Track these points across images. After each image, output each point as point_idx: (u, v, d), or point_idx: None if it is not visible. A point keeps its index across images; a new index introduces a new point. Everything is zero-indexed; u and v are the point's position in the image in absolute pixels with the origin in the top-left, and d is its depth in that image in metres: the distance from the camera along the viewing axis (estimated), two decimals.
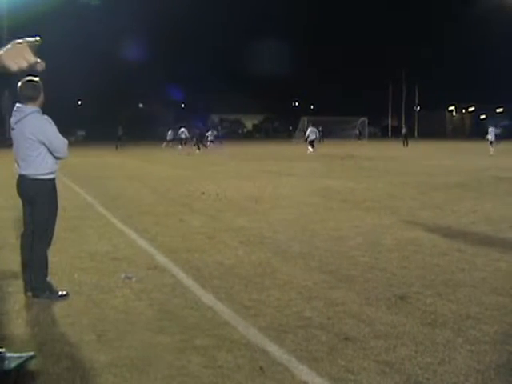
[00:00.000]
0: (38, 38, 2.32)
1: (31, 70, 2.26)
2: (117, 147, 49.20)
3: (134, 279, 7.05)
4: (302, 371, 4.40)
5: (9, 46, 2.24)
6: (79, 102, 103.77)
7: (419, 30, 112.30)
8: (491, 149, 37.79)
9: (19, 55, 2.20)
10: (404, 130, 57.66)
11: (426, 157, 36.26)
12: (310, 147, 40.88)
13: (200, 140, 47.09)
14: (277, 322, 5.46)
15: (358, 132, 73.21)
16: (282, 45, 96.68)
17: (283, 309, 5.87)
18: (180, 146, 45.37)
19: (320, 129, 62.03)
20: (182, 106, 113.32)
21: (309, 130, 43.11)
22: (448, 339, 4.99)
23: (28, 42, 2.28)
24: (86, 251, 8.67)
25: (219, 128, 65.78)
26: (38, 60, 2.30)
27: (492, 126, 40.93)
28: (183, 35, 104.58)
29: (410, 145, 53.96)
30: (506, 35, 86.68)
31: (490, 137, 39.09)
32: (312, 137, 41.99)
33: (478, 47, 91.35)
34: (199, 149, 44.73)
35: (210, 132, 54.19)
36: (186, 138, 48.16)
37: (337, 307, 5.90)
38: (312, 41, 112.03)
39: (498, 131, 59.36)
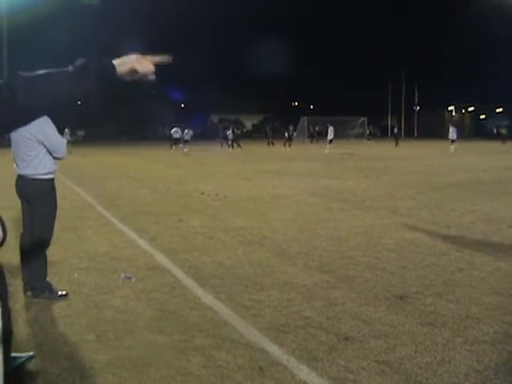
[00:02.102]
0: (170, 58, 2.41)
1: (145, 77, 2.38)
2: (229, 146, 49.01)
3: (133, 279, 7.05)
4: (302, 371, 4.41)
5: (136, 55, 2.37)
6: (79, 102, 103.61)
7: (419, 29, 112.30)
8: (452, 147, 40.96)
9: (145, 62, 2.33)
10: (396, 130, 57.91)
11: (425, 156, 36.28)
12: (328, 146, 41.13)
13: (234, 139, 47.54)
14: (276, 322, 5.46)
15: (368, 132, 72.81)
16: (282, 45, 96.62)
17: (283, 309, 5.87)
18: (173, 147, 45.39)
19: (316, 128, 62.78)
20: (182, 105, 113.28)
21: (330, 129, 43.72)
22: (447, 339, 4.99)
23: (157, 59, 2.39)
24: (86, 251, 8.67)
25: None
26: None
27: (452, 125, 44.77)
28: (183, 35, 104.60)
29: (404, 144, 54.27)
30: (505, 35, 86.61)
31: (452, 136, 42.50)
32: (331, 136, 42.44)
33: (477, 47, 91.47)
34: (233, 147, 45.67)
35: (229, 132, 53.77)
36: (179, 138, 47.90)
37: (336, 307, 5.91)
38: (312, 40, 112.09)
39: (504, 131, 60.26)
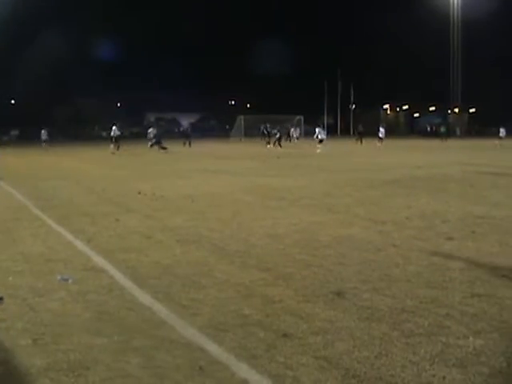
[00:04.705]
0: None
1: None
2: (184, 144, 50.32)
3: (70, 281, 6.95)
4: (242, 369, 4.42)
5: None
6: (12, 101, 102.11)
7: (353, 29, 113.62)
8: (378, 144, 47.78)
9: None
10: (360, 128, 58.43)
11: (360, 154, 36.85)
12: (318, 145, 40.99)
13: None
14: (215, 321, 5.47)
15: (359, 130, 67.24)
16: (218, 42, 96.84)
17: (221, 307, 5.88)
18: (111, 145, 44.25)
19: (267, 125, 63.06)
20: (118, 104, 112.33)
21: (317, 130, 44.19)
22: (384, 333, 5.08)
23: None
24: (21, 253, 8.51)
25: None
26: None
27: (382, 126, 51.47)
28: (125, 31, 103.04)
29: (340, 142, 54.93)
30: (438, 36, 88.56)
31: (381, 134, 49.16)
32: (322, 136, 42.43)
33: (411, 47, 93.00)
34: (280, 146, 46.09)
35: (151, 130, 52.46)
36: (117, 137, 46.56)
37: (274, 304, 5.95)
38: (255, 37, 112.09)
39: (443, 129, 63.32)
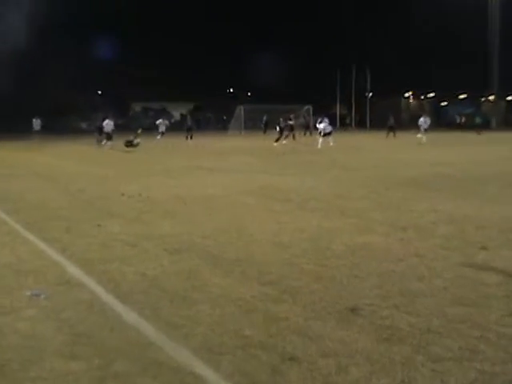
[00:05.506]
0: None
1: None
2: (187, 138, 51.27)
3: (42, 296, 6.93)
4: None
5: None
6: None
7: (370, 12, 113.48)
8: (423, 137, 44.63)
9: None
10: (391, 121, 58.51)
11: (378, 149, 36.81)
12: (326, 139, 41.07)
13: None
14: (210, 342, 5.44)
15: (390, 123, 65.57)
16: (216, 25, 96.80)
17: (217, 326, 5.85)
18: (104, 141, 43.62)
19: (265, 118, 63.82)
20: (99, 93, 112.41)
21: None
22: (407, 357, 5.04)
23: None
24: None
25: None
26: None
27: (425, 116, 48.71)
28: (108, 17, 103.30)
29: (355, 134, 54.86)
30: (466, 18, 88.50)
31: (424, 125, 46.36)
32: (322, 127, 42.64)
33: (441, 27, 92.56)
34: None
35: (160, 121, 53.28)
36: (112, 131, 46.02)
37: (279, 323, 5.92)
38: (254, 23, 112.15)
39: (478, 120, 63.54)
